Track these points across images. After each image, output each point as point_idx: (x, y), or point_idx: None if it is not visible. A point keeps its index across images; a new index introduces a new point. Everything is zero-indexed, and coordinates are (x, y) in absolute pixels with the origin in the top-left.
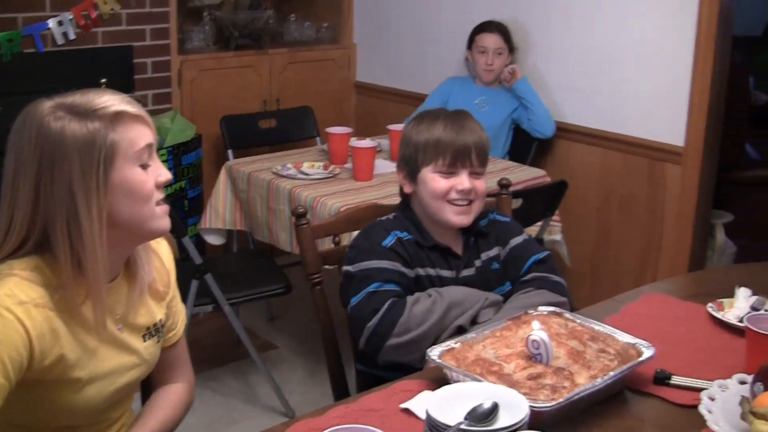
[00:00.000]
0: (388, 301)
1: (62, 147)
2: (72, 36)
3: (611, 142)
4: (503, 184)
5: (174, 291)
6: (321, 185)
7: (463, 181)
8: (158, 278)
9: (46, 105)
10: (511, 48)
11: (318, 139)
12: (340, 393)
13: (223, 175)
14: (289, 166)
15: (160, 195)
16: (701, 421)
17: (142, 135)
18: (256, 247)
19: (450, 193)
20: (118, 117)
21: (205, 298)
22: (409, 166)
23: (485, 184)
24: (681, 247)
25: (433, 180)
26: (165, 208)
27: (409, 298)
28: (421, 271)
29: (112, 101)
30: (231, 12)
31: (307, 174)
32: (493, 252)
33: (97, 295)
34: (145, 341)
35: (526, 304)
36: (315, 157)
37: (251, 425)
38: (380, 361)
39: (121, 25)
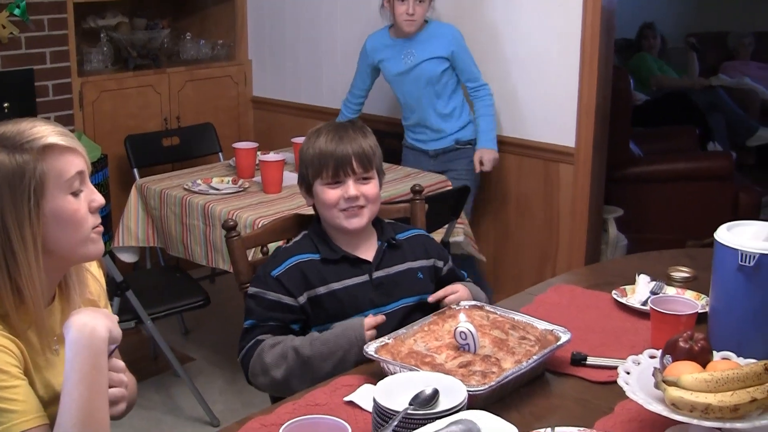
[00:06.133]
0: (251, 342)
1: None
2: None
3: (507, 145)
4: (416, 190)
5: (106, 302)
6: (232, 199)
7: (348, 188)
8: (92, 291)
9: None
10: None
11: (221, 154)
12: None
13: (134, 193)
14: (198, 182)
15: (95, 220)
16: (616, 395)
17: (72, 164)
18: (167, 262)
19: (340, 202)
20: (47, 149)
21: (127, 315)
22: (305, 181)
23: (376, 187)
24: (577, 242)
25: (323, 192)
26: (99, 230)
27: (267, 342)
28: (321, 290)
29: (42, 133)
30: (128, 32)
31: (217, 189)
32: (417, 264)
33: (40, 320)
34: None
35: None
36: (222, 173)
37: None
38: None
39: (21, 48)
